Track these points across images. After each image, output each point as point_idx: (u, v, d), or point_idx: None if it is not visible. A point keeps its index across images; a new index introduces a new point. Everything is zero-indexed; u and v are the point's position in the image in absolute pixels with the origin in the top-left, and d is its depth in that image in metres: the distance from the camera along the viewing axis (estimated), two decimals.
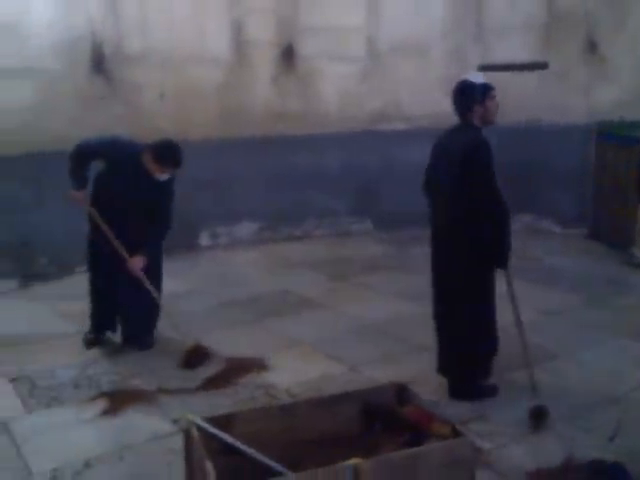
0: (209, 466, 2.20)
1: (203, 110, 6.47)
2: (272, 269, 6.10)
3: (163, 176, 4.05)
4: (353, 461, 2.22)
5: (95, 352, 4.20)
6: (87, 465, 2.92)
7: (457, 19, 7.07)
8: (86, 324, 4.33)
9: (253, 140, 6.69)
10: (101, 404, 3.48)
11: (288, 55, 6.86)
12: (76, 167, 4.09)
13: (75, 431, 3.25)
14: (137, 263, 4.06)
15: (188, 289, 5.26)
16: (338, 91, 6.97)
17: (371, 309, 4.89)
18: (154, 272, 4.23)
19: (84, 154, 4.10)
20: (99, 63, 6.04)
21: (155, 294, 4.17)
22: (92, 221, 4.15)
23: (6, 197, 5.42)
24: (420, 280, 5.47)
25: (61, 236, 5.47)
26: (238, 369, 3.87)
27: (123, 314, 4.27)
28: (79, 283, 4.77)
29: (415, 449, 2.32)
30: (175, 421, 3.17)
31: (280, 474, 2.30)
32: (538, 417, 3.21)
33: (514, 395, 3.48)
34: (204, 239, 6.77)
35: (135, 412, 3.41)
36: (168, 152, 4.02)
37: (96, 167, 4.19)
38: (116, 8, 6.06)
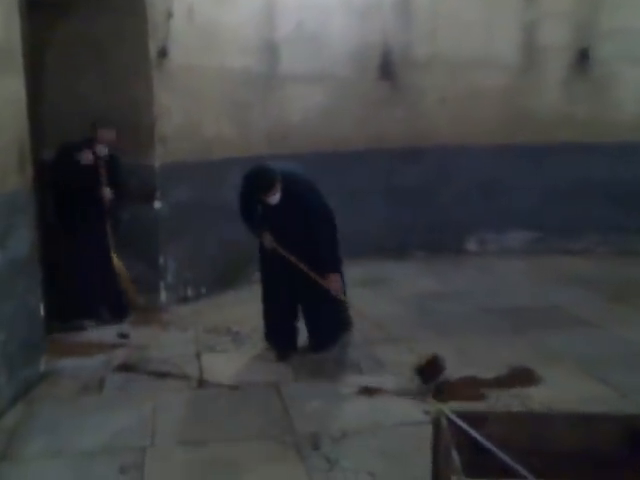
0: (455, 458, 2.21)
1: (484, 114, 6.47)
2: (542, 282, 5.84)
3: (272, 199, 3.86)
4: None
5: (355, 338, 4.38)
6: (344, 434, 3.14)
7: None
8: None
9: (534, 146, 6.49)
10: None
11: (582, 59, 6.50)
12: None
13: (334, 403, 3.52)
14: (334, 281, 3.92)
15: (449, 291, 5.29)
16: (636, 97, 6.40)
17: None
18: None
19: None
20: (386, 69, 6.42)
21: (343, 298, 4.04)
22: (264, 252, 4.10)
23: None
24: None
25: None
26: (507, 379, 3.78)
27: (311, 329, 4.18)
28: None
29: None
30: (427, 412, 3.23)
31: (525, 478, 2.23)
32: None
33: None
34: (472, 244, 6.74)
35: (390, 397, 3.56)
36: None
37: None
38: (408, 17, 6.37)
